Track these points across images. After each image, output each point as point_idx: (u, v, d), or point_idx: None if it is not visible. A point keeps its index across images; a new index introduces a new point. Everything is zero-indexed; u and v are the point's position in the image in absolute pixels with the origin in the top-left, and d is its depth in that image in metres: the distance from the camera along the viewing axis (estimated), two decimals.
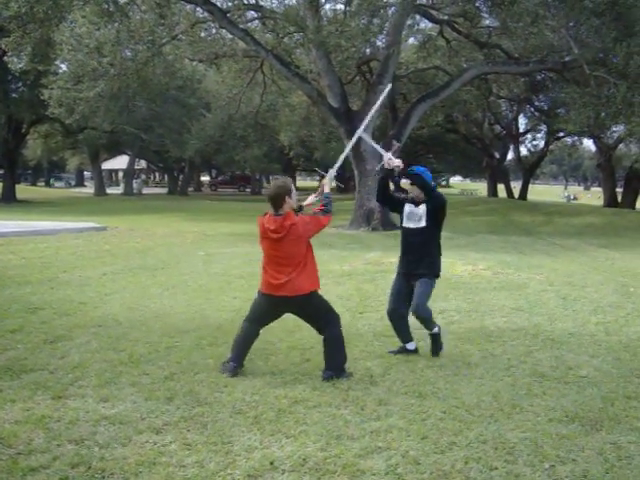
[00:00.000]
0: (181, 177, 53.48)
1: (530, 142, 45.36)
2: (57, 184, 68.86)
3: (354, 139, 5.88)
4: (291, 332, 6.18)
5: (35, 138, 45.20)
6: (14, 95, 32.41)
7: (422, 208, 5.38)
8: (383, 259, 11.39)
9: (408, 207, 5.49)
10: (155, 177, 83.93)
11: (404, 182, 5.54)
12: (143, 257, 11.83)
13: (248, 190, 57.15)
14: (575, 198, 59.26)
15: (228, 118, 26.66)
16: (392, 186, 5.61)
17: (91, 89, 17.87)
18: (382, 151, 5.60)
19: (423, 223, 5.37)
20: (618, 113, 17.49)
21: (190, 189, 54.52)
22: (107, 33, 16.86)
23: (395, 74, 21.77)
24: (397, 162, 5.38)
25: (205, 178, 70.34)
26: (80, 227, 17.00)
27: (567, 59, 19.22)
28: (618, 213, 26.80)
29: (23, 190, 41.21)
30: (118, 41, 17.10)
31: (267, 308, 5.06)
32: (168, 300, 7.94)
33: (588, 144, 76.88)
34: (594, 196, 57.16)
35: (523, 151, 45.14)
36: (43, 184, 68.11)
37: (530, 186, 43.46)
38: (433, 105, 22.43)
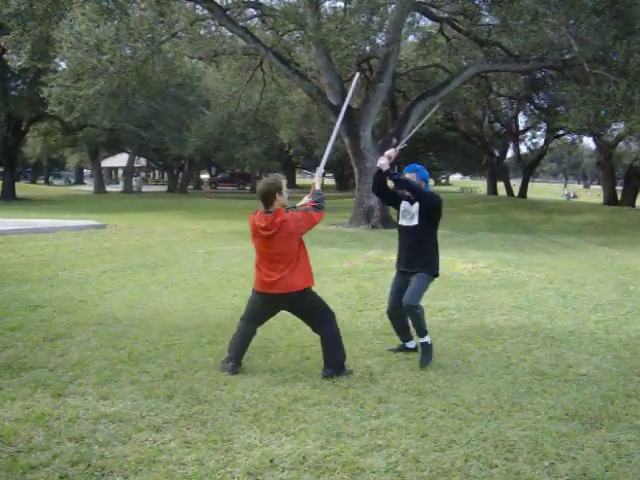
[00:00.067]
0: (181, 175, 53.44)
1: (530, 140, 45.35)
2: (56, 182, 68.82)
3: (334, 134, 5.77)
4: (290, 330, 6.18)
5: (35, 136, 45.18)
6: (13, 93, 32.40)
7: (415, 206, 5.36)
8: (383, 257, 11.39)
9: (403, 204, 5.48)
10: (155, 175, 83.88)
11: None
12: (143, 255, 11.83)
13: (248, 188, 57.07)
14: (575, 196, 59.28)
15: (228, 116, 26.64)
16: (391, 183, 5.58)
17: (90, 87, 17.84)
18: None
19: (415, 221, 5.34)
20: (618, 111, 17.46)
21: (190, 187, 54.48)
22: (106, 31, 16.82)
23: (395, 72, 21.79)
24: (382, 161, 5.36)
25: (205, 176, 70.33)
26: (80, 225, 16.99)
27: (567, 57, 19.18)
28: (618, 211, 26.79)
29: (23, 188, 41.19)
30: (117, 39, 17.06)
31: (262, 306, 5.06)
32: (168, 298, 7.94)
33: (588, 142, 77.15)
34: (594, 194, 57.17)
35: (523, 149, 45.20)
36: (43, 182, 68.08)
37: (530, 184, 43.46)
38: (433, 103, 22.38)
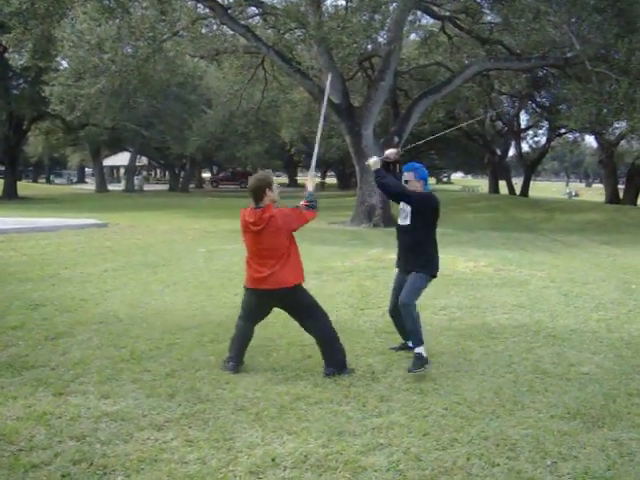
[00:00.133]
0: (182, 174, 53.47)
1: (532, 138, 45.37)
2: (57, 181, 68.88)
3: (318, 136, 5.73)
4: (292, 328, 6.16)
5: (36, 135, 45.28)
6: (15, 92, 32.45)
7: (410, 206, 5.34)
8: (384, 255, 11.38)
9: (401, 203, 5.46)
10: (156, 174, 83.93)
11: (405, 175, 5.45)
12: (144, 254, 11.83)
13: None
14: (577, 194, 59.25)
15: (229, 115, 26.66)
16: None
17: (92, 86, 17.86)
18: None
19: (408, 221, 5.30)
20: (620, 109, 17.44)
21: (191, 186, 54.49)
22: (108, 29, 16.82)
23: (396, 70, 21.75)
24: (370, 161, 5.35)
25: (206, 175, 70.35)
26: (81, 224, 17.00)
27: (569, 55, 19.15)
28: (620, 210, 26.77)
29: (24, 187, 41.24)
30: (119, 37, 17.08)
31: (254, 303, 5.06)
32: (169, 297, 7.94)
33: (590, 140, 76.96)
34: (595, 192, 57.14)
35: (525, 147, 45.07)
36: (44, 181, 68.16)
37: (531, 182, 43.40)
38: (435, 101, 22.38)
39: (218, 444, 3.69)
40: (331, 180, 70.00)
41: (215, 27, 20.39)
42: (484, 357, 5.49)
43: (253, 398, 4.41)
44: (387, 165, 5.45)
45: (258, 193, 4.84)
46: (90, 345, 5.67)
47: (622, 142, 37.95)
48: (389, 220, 18.27)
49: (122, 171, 67.75)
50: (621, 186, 38.21)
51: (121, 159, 62.06)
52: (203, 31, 20.25)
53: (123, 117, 33.03)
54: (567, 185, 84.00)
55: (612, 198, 34.59)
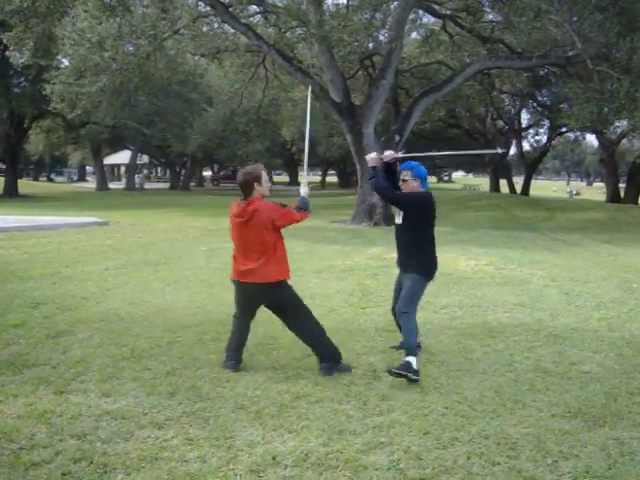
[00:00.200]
0: (183, 172, 53.47)
1: (533, 137, 45.40)
2: (58, 179, 68.88)
3: (306, 147, 5.72)
4: None
5: (37, 133, 45.31)
6: (16, 90, 32.43)
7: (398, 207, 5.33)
8: (385, 254, 11.37)
9: None
10: (157, 172, 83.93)
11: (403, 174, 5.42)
12: (145, 252, 11.83)
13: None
14: (578, 193, 59.23)
15: (230, 113, 26.64)
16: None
17: (93, 84, 17.84)
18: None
19: (400, 220, 5.30)
20: (621, 108, 17.42)
21: (192, 184, 54.49)
22: (109, 28, 16.81)
23: (398, 69, 21.73)
24: (369, 155, 5.35)
25: (207, 173, 70.35)
26: (82, 222, 17.01)
27: (570, 54, 19.12)
28: (621, 208, 26.74)
29: (25, 185, 41.24)
30: (120, 36, 17.06)
31: (240, 297, 5.07)
32: (170, 295, 7.94)
33: (591, 139, 76.97)
34: (595, 191, 57.11)
35: (526, 146, 45.05)
36: (45, 179, 68.17)
37: (532, 181, 43.37)
38: (436, 100, 22.36)
39: (218, 442, 3.69)
40: (332, 179, 70.01)
41: (216, 25, 20.37)
42: (485, 356, 5.49)
43: (253, 396, 4.41)
44: (388, 165, 5.42)
45: (247, 187, 4.87)
46: (91, 343, 5.67)
47: (623, 141, 37.96)
48: (390, 219, 18.25)
49: (123, 169, 67.75)
50: (622, 185, 38.18)
51: (122, 157, 62.05)
52: (204, 29, 20.23)
53: (124, 115, 33.02)
54: (568, 184, 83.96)
55: (613, 197, 34.57)
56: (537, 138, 44.73)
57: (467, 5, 20.20)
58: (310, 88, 7.24)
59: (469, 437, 3.80)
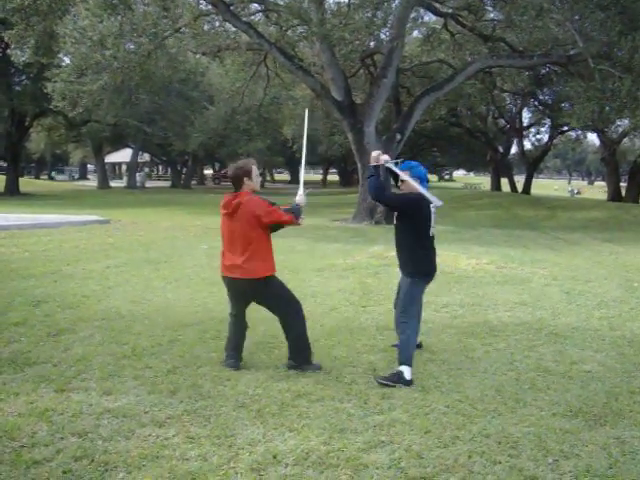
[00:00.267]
0: (184, 170, 53.50)
1: (534, 136, 45.22)
2: (59, 177, 68.92)
3: (303, 161, 5.74)
4: None
5: (38, 131, 45.28)
6: (17, 88, 32.43)
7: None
8: (386, 253, 11.36)
9: None
10: (158, 170, 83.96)
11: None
12: (146, 250, 11.84)
13: None
14: (579, 192, 59.22)
15: (231, 111, 26.65)
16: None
17: (94, 82, 17.85)
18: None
19: (395, 221, 5.31)
20: (623, 107, 17.41)
21: (193, 182, 54.57)
22: (110, 26, 16.81)
23: (399, 67, 21.71)
24: (373, 153, 5.33)
25: (208, 171, 70.38)
26: (83, 220, 17.01)
27: (572, 53, 19.12)
28: (622, 207, 26.73)
29: (26, 183, 41.27)
30: (121, 34, 17.07)
31: (230, 292, 5.07)
32: (171, 293, 7.94)
33: (592, 138, 76.93)
34: (597, 190, 57.08)
35: (527, 145, 45.02)
36: (46, 177, 68.22)
37: (533, 180, 43.36)
38: (437, 98, 22.34)
39: (219, 441, 3.69)
40: (333, 177, 70.01)
41: (217, 24, 20.36)
42: (486, 355, 5.48)
43: (254, 395, 4.41)
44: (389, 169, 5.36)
45: (237, 181, 4.91)
46: (92, 342, 5.67)
47: (625, 140, 37.99)
48: (391, 217, 18.24)
49: (124, 168, 67.81)
50: (623, 184, 38.15)
51: (123, 156, 62.11)
52: (205, 28, 20.21)
53: (125, 113, 33.06)
54: (569, 183, 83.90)
55: (614, 196, 34.56)
56: (538, 137, 44.65)
57: (468, 4, 20.18)
58: (307, 111, 7.20)
59: (470, 436, 3.80)
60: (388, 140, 19.13)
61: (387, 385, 4.61)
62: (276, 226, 4.97)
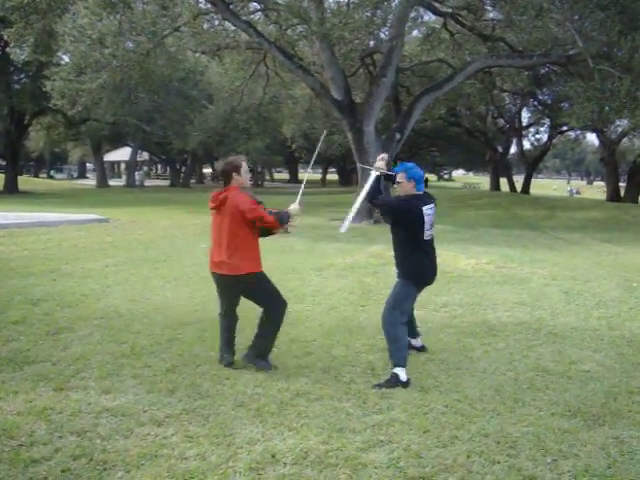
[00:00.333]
0: (183, 169, 53.47)
1: (533, 136, 45.31)
2: (58, 176, 68.90)
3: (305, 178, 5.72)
4: (293, 325, 6.17)
5: (37, 130, 45.27)
6: (16, 86, 32.44)
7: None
8: (385, 252, 11.35)
9: None
10: (157, 169, 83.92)
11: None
12: (145, 249, 11.83)
13: (250, 182, 56.97)
14: (578, 192, 59.26)
15: (231, 110, 26.61)
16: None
17: (93, 80, 17.84)
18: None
19: (391, 222, 5.30)
20: (622, 107, 17.41)
21: (192, 181, 54.54)
22: (109, 24, 16.82)
23: (398, 67, 21.70)
24: (379, 162, 5.34)
25: (207, 170, 70.34)
26: (82, 219, 17.00)
27: (571, 52, 19.11)
28: (621, 207, 26.75)
29: (25, 182, 41.25)
30: (120, 32, 17.06)
31: (218, 288, 5.09)
32: (170, 292, 7.94)
33: (591, 138, 76.94)
34: (596, 190, 57.12)
35: (526, 145, 45.06)
36: (45, 176, 68.18)
37: (532, 180, 43.39)
38: (436, 98, 22.34)
39: (218, 440, 3.69)
40: (332, 176, 70.01)
41: (217, 22, 20.33)
42: (485, 355, 5.49)
43: (253, 394, 4.41)
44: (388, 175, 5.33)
45: (225, 176, 4.97)
46: (91, 340, 5.67)
47: (624, 140, 38.01)
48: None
49: (123, 166, 67.78)
50: (622, 184, 38.18)
51: (122, 154, 62.09)
52: (205, 26, 20.18)
53: (124, 112, 33.04)
54: (568, 183, 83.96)
55: (613, 196, 34.58)
56: (538, 137, 44.73)
57: (468, 3, 20.18)
58: (325, 132, 7.19)
59: (469, 436, 3.80)
60: (387, 139, 19.13)
61: (386, 389, 4.58)
62: (265, 231, 4.98)
